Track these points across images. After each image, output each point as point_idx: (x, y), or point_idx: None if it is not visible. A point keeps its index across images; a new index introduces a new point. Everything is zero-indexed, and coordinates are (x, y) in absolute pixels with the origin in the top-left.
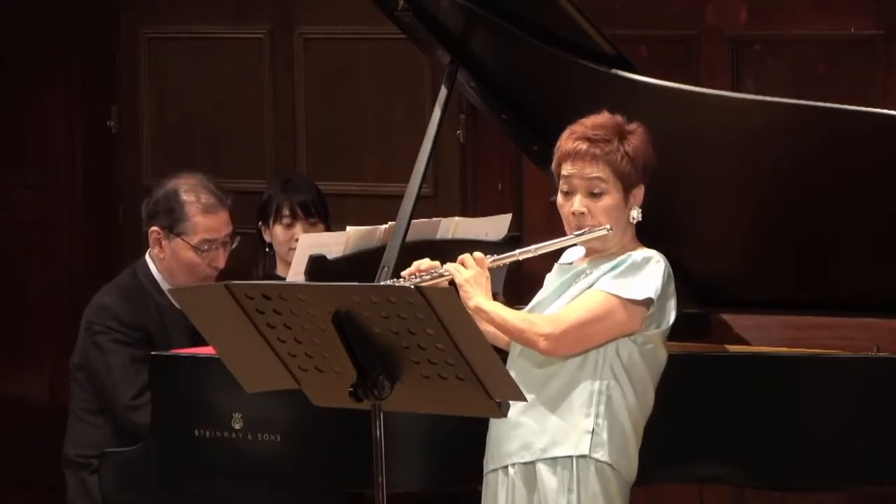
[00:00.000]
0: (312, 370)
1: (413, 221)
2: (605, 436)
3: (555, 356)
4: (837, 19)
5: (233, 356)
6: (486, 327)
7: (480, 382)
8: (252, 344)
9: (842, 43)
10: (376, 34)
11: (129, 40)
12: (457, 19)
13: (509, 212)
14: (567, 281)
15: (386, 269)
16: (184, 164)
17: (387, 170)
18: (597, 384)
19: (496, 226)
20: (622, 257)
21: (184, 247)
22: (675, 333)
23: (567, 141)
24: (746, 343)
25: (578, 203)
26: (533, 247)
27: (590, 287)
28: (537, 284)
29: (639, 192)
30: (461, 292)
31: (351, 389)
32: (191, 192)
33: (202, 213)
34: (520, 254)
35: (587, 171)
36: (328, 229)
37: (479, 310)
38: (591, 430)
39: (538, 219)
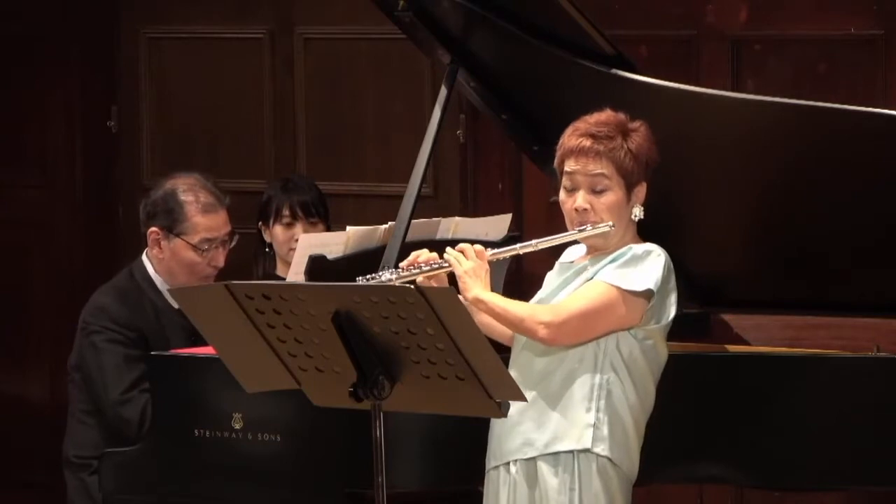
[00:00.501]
0: (312, 370)
1: (413, 221)
2: (605, 430)
3: (554, 345)
4: (837, 19)
5: (233, 356)
6: (484, 319)
7: (480, 382)
8: (252, 344)
9: (842, 43)
10: (376, 34)
11: (129, 40)
12: (457, 19)
13: (509, 212)
14: (568, 278)
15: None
16: (184, 164)
17: (387, 170)
18: (597, 378)
19: (496, 226)
20: (623, 250)
21: (184, 247)
22: (675, 333)
23: (570, 137)
24: (746, 343)
25: (581, 199)
26: (534, 241)
27: (590, 279)
28: (537, 284)
29: (641, 190)
30: (460, 283)
31: (351, 389)
32: (189, 192)
33: (202, 212)
34: (520, 248)
35: (590, 168)
36: (328, 229)
37: (477, 300)
38: (592, 423)
39: (538, 219)
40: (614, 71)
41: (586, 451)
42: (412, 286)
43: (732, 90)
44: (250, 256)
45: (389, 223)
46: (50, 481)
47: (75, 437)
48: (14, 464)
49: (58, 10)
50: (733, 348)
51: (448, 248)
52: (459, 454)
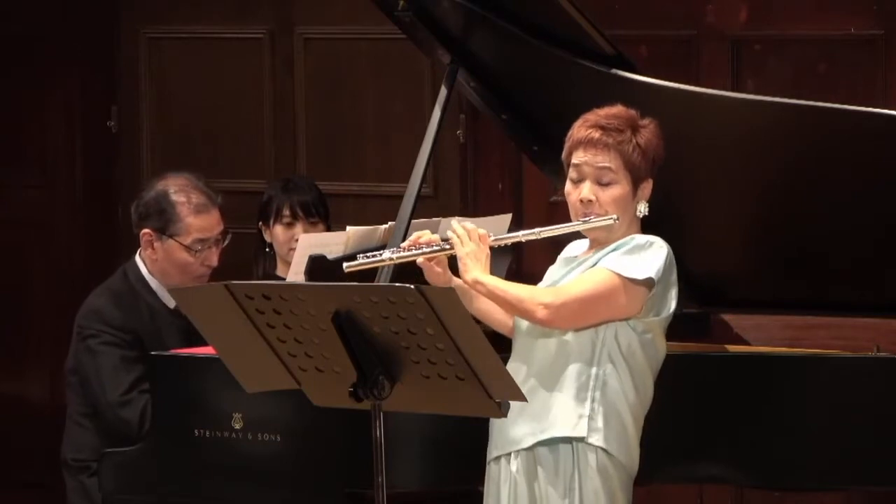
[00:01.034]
0: (312, 370)
1: (413, 221)
2: (600, 421)
3: (552, 327)
4: (837, 19)
5: (233, 356)
6: (482, 306)
7: (480, 382)
8: (252, 344)
9: (842, 43)
10: (376, 34)
11: (129, 40)
12: (457, 19)
13: (509, 212)
14: (568, 272)
15: (386, 269)
16: (184, 164)
17: (387, 170)
18: (594, 369)
19: (496, 226)
20: (625, 239)
21: (177, 248)
22: (675, 333)
23: (580, 129)
24: (746, 343)
25: (587, 190)
26: (537, 229)
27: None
28: (536, 282)
29: (647, 187)
30: (460, 265)
31: (351, 389)
32: (181, 193)
33: (194, 213)
34: (523, 235)
35: (598, 160)
36: (328, 229)
37: (476, 282)
38: (587, 414)
39: (538, 219)
40: (614, 71)
41: (582, 440)
42: (412, 286)
43: (732, 90)
44: (250, 256)
45: (389, 223)
46: (50, 481)
47: (73, 440)
48: (14, 464)
49: (58, 10)
50: (733, 348)
51: (453, 224)
52: (459, 454)
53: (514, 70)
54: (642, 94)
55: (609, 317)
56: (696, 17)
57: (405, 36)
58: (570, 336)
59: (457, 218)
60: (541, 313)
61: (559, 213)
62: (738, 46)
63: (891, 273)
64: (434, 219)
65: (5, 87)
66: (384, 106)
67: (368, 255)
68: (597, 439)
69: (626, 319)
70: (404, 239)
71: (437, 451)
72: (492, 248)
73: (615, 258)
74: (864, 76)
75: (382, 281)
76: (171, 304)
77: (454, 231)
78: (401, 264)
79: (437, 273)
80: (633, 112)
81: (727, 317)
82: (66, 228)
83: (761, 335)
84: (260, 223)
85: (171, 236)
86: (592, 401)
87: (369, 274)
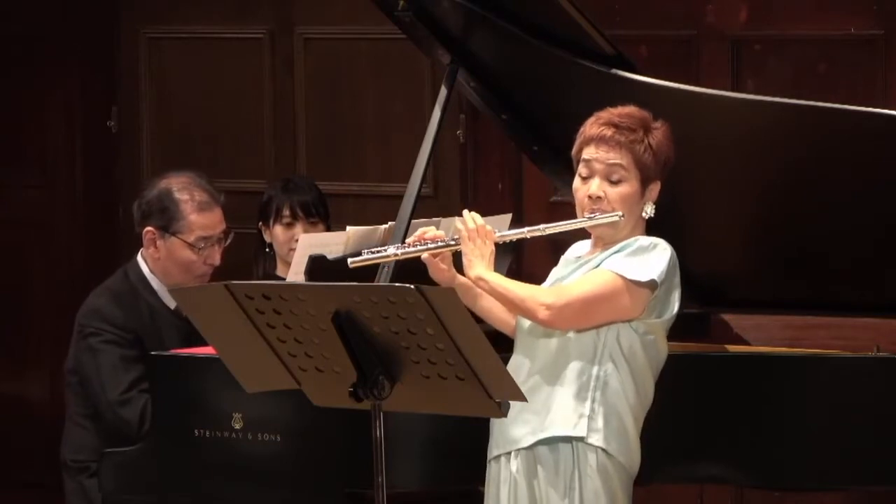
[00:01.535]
0: (312, 370)
1: (413, 221)
2: (600, 422)
3: (553, 327)
4: (837, 19)
5: (233, 356)
6: (484, 304)
7: (480, 382)
8: (252, 344)
9: (842, 43)
10: (376, 34)
11: (129, 40)
12: (457, 19)
13: (509, 212)
14: (572, 271)
15: (386, 269)
16: (184, 164)
17: (387, 170)
18: (595, 369)
19: (496, 226)
20: (629, 240)
21: (180, 245)
22: (675, 333)
23: (592, 126)
24: (746, 343)
25: (596, 187)
26: (542, 226)
27: (595, 268)
28: (537, 282)
29: (655, 188)
30: (464, 261)
31: (351, 389)
32: (184, 191)
33: (197, 210)
34: (528, 231)
35: (609, 157)
36: (328, 229)
37: (480, 279)
38: (587, 413)
39: (538, 219)
40: (614, 71)
41: (582, 440)
42: (412, 286)
43: (732, 90)
44: (250, 256)
45: (389, 223)
46: (50, 481)
47: (73, 441)
48: (14, 464)
49: (58, 10)
50: (733, 348)
51: (464, 214)
52: (459, 454)
53: (514, 70)
54: (642, 94)
55: (611, 318)
56: (696, 17)
57: (405, 36)
58: (571, 336)
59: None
60: (543, 314)
61: (559, 213)
62: (738, 46)
63: (891, 273)
64: (434, 219)
65: (5, 87)
66: (384, 106)
67: (373, 250)
68: (596, 439)
69: (629, 321)
70: (404, 239)
71: (437, 451)
72: (496, 245)
73: (619, 260)
74: (864, 76)
75: (382, 281)
76: (172, 304)
77: (464, 223)
78: (402, 264)
79: (441, 269)
80: (646, 113)
81: (727, 317)
82: (66, 228)
83: (761, 335)
84: (260, 223)
85: (173, 234)
86: (593, 401)
87: (370, 274)
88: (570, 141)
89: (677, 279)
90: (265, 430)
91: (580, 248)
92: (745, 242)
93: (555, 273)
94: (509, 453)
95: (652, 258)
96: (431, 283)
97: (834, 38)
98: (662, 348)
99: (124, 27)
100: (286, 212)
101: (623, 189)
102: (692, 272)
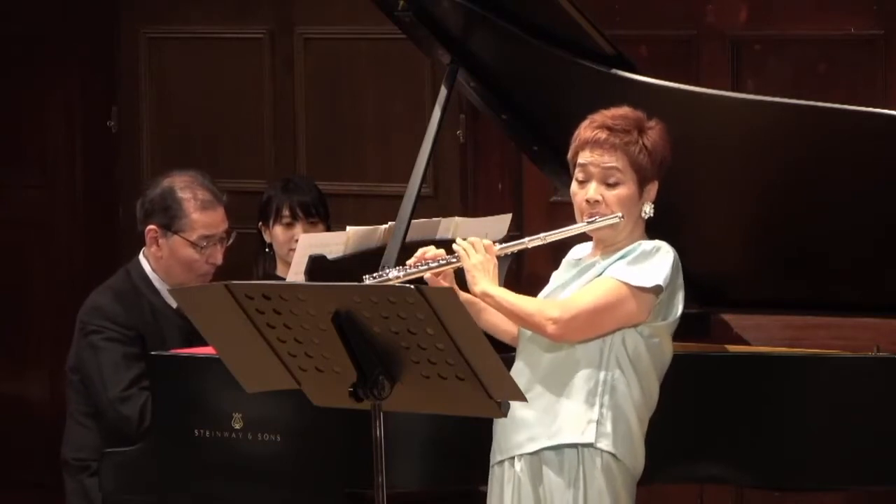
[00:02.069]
0: (312, 370)
1: (413, 221)
2: (609, 426)
3: (563, 341)
4: (837, 19)
5: (233, 356)
6: (490, 318)
7: (480, 382)
8: (252, 344)
9: (842, 43)
10: (376, 34)
11: (129, 40)
12: (457, 19)
13: (509, 212)
14: (575, 275)
15: (386, 269)
16: (184, 164)
17: (387, 170)
18: (602, 374)
19: (496, 226)
20: (632, 246)
21: (182, 244)
22: (675, 333)
23: (586, 129)
24: (746, 343)
25: (593, 191)
26: (542, 234)
27: (599, 276)
28: (537, 283)
29: (652, 188)
30: (468, 277)
31: (351, 389)
32: (187, 190)
33: (200, 209)
34: (529, 241)
35: (605, 160)
36: (328, 229)
37: (485, 294)
38: (595, 419)
39: (538, 219)
40: (614, 71)
41: (590, 445)
42: (412, 286)
43: (732, 90)
44: (250, 256)
45: (389, 223)
46: (50, 481)
47: (74, 440)
48: (14, 464)
49: (58, 10)
50: (733, 348)
51: (457, 240)
52: (459, 454)
53: (514, 70)
54: (642, 94)
55: (618, 326)
56: (696, 17)
57: (405, 36)
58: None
59: (457, 218)
60: (550, 328)
61: (559, 213)
62: (738, 46)
63: (891, 273)
64: (434, 219)
65: (5, 87)
66: (384, 106)
67: (375, 275)
68: (605, 444)
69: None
70: (404, 239)
71: (437, 451)
72: (498, 257)
73: (622, 267)
74: (864, 76)
75: None
76: (174, 303)
77: (459, 245)
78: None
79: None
80: (640, 113)
81: (727, 317)
82: (66, 228)
83: (761, 335)
84: (260, 223)
85: (176, 232)
86: (601, 406)
87: (369, 273)
88: (569, 141)
89: (680, 281)
90: (265, 430)
91: (581, 249)
92: (745, 242)
93: (556, 276)
94: (513, 458)
95: (655, 262)
96: None
97: (834, 38)
98: (667, 350)
99: (124, 27)
100: (286, 212)
101: (620, 191)
102: (692, 272)
